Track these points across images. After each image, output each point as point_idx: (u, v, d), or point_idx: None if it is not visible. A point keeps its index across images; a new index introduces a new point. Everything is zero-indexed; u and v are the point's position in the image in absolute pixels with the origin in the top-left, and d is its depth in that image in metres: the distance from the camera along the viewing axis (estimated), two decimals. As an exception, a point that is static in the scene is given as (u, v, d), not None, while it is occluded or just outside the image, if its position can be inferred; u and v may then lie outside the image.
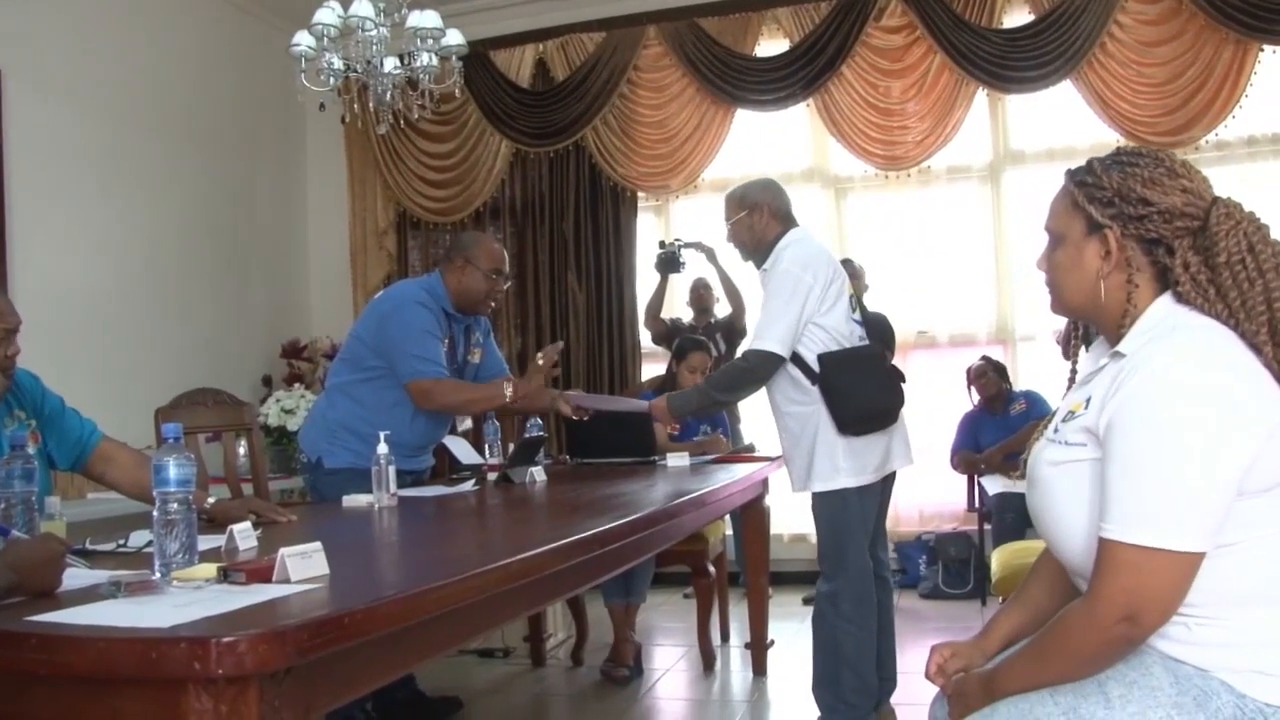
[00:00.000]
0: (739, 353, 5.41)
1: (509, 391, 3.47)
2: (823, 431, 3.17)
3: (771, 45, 6.17)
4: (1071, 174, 1.60)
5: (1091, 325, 1.63)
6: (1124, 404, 1.41)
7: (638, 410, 3.73)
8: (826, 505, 3.22)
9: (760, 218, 3.33)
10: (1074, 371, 1.67)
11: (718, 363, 5.35)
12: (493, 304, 3.63)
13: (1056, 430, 1.55)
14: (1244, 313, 1.44)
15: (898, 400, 3.30)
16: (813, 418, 3.19)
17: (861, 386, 3.16)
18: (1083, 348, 1.69)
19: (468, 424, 3.82)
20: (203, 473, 3.10)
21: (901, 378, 3.41)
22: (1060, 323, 5.05)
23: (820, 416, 3.17)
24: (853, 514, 3.19)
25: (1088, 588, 1.42)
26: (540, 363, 3.71)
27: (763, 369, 3.20)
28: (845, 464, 3.17)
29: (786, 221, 3.36)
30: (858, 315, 3.32)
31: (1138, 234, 1.52)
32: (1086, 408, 1.49)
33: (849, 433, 3.15)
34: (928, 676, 1.69)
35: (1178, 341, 1.43)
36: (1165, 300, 1.51)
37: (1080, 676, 1.44)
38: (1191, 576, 1.36)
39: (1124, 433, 1.40)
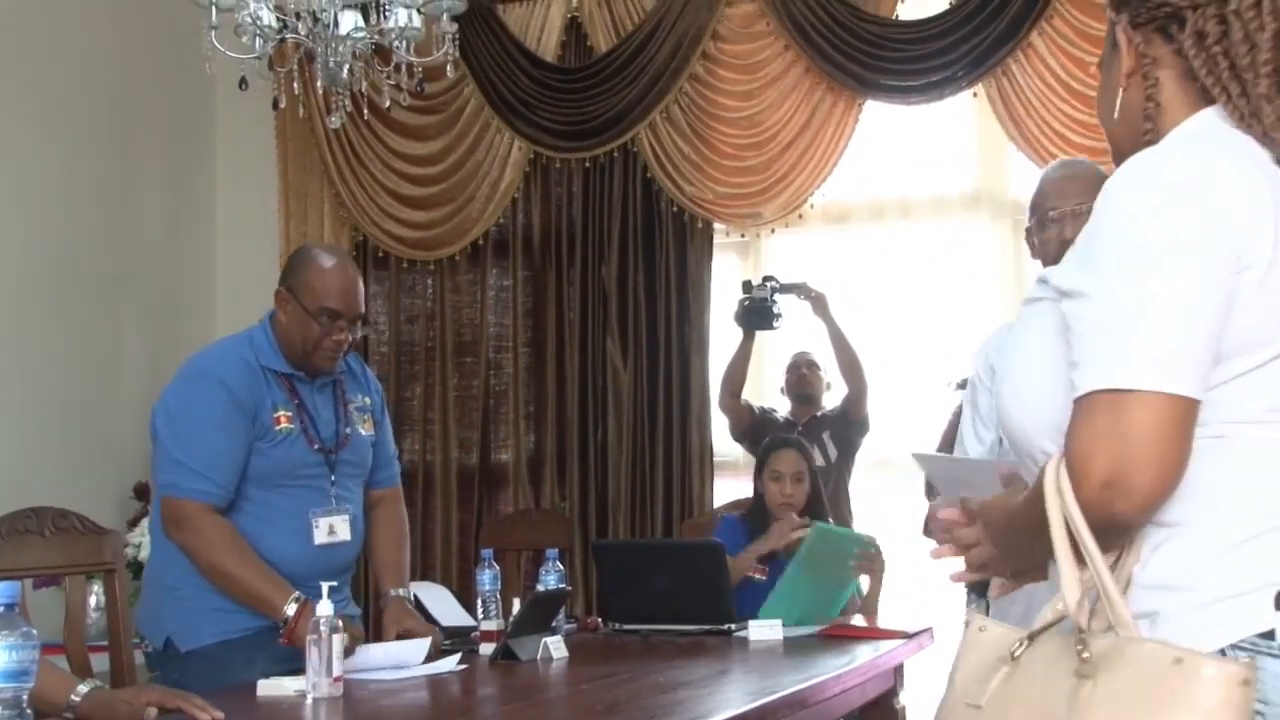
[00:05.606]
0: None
1: (289, 611, 3.21)
2: None
3: (922, 1, 6.11)
4: None
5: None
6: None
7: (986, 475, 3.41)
8: None
9: None
10: None
11: (825, 472, 5.31)
12: (330, 362, 3.54)
13: None
14: (1251, 73, 1.53)
15: None
16: None
17: None
18: None
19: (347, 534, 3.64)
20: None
21: None
22: None
23: None
24: None
25: None
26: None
27: None
28: None
29: None
30: None
31: (1150, 18, 1.63)
32: None
33: None
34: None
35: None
36: (1209, 116, 1.59)
37: None
38: None
39: None
